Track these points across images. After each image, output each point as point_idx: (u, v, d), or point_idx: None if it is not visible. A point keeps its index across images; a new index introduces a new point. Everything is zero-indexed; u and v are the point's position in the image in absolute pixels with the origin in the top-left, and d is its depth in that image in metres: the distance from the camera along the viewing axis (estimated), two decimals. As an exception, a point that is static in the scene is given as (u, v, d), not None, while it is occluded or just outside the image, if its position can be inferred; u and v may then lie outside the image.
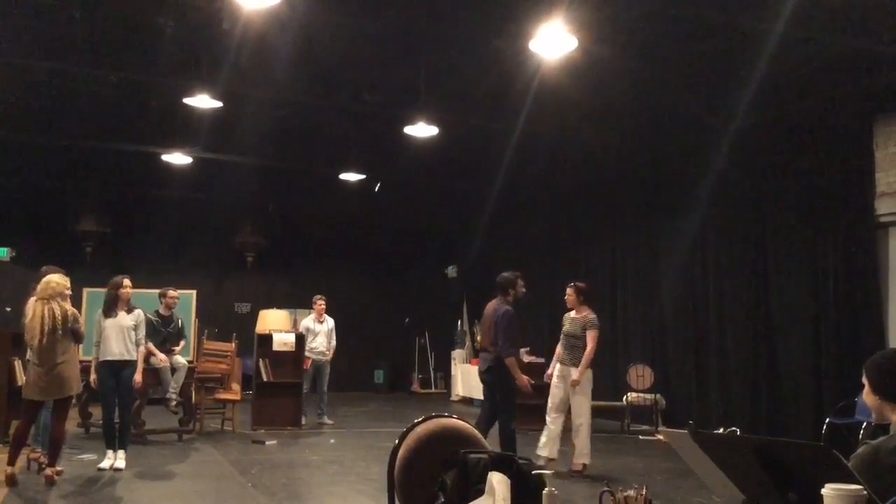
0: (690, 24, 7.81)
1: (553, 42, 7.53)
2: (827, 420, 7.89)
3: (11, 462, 6.55)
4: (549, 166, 13.05)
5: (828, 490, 1.94)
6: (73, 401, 7.23)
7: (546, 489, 2.40)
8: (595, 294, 13.18)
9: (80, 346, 7.15)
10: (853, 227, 8.84)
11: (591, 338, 7.69)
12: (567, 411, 7.79)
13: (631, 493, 2.38)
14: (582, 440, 7.65)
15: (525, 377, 7.46)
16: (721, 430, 2.69)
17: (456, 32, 8.31)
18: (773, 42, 7.66)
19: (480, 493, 2.62)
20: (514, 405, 7.54)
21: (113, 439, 7.45)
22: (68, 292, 6.90)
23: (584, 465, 7.64)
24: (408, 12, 7.96)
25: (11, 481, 6.45)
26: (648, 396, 10.90)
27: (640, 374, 11.09)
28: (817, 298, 9.12)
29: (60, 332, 6.60)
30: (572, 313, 7.97)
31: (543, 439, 7.73)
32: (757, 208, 10.14)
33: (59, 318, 6.60)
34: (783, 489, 2.20)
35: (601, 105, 10.04)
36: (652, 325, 11.89)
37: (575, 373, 7.60)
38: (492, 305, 7.65)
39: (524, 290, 7.83)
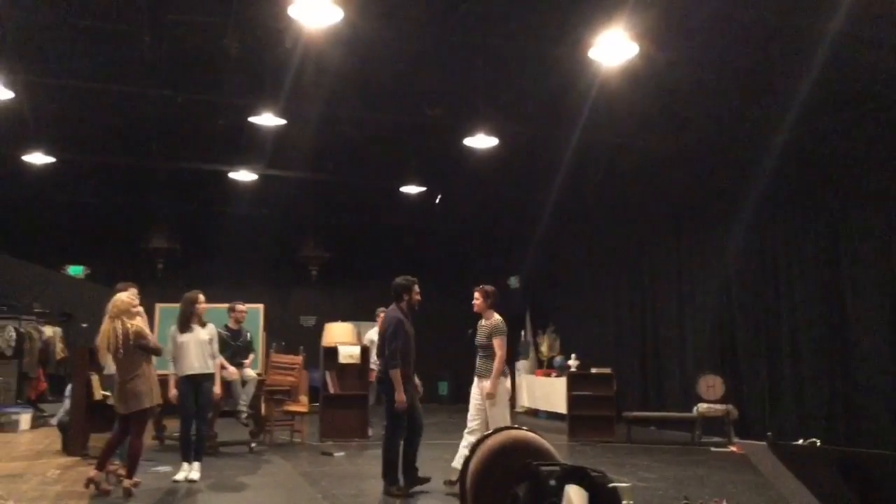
0: (753, 27, 7.67)
1: (613, 49, 7.50)
2: (908, 430, 7.62)
3: (100, 467, 6.81)
4: (610, 174, 12.94)
5: (918, 504, 1.88)
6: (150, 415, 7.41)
7: (624, 503, 2.38)
8: (662, 303, 13.12)
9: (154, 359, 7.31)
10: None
11: (497, 345, 7.08)
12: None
13: (709, 506, 2.35)
14: None
15: (402, 396, 6.84)
16: (801, 442, 2.63)
17: (514, 43, 8.33)
18: (839, 42, 7.46)
19: (555, 505, 2.61)
20: (399, 421, 6.99)
21: (189, 451, 7.63)
22: (135, 309, 7.01)
23: None
24: (466, 24, 8.01)
25: (93, 484, 6.69)
26: (720, 407, 10.66)
27: (711, 385, 10.85)
28: (894, 302, 8.83)
29: (122, 350, 6.75)
30: (482, 321, 7.34)
31: (458, 455, 7.05)
32: (828, 211, 9.86)
33: (121, 336, 6.76)
34: (868, 502, 2.15)
35: (662, 111, 9.92)
36: (722, 334, 11.62)
37: (488, 384, 7.08)
38: (388, 312, 7.29)
39: (419, 296, 7.31)
